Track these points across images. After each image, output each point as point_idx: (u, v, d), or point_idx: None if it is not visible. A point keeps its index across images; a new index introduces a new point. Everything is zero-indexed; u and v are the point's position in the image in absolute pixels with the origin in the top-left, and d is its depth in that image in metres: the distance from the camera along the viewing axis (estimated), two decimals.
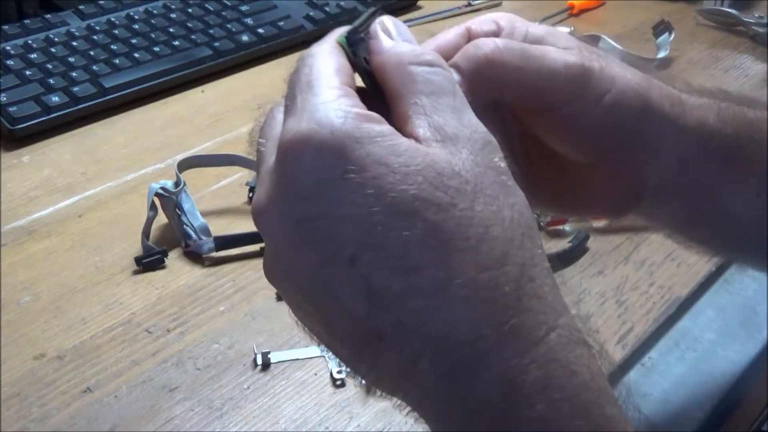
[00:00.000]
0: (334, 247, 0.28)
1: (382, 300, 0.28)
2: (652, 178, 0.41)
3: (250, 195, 0.65)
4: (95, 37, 0.82)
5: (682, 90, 0.42)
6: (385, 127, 0.29)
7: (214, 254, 0.59)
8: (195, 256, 0.60)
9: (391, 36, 0.33)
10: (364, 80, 0.34)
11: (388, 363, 0.29)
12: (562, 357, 0.29)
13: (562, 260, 0.58)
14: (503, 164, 0.30)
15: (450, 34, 0.38)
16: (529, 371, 0.28)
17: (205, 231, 0.60)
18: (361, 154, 0.28)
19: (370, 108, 0.30)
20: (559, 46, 0.39)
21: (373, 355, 0.29)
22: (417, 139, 0.29)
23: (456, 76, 0.36)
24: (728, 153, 0.42)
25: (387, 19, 0.34)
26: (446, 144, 0.29)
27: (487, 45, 0.37)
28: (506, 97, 0.38)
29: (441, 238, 0.27)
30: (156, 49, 0.82)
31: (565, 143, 0.40)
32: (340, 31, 0.35)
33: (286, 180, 0.29)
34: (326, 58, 0.32)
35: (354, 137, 0.28)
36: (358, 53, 0.34)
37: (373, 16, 0.35)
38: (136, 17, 0.86)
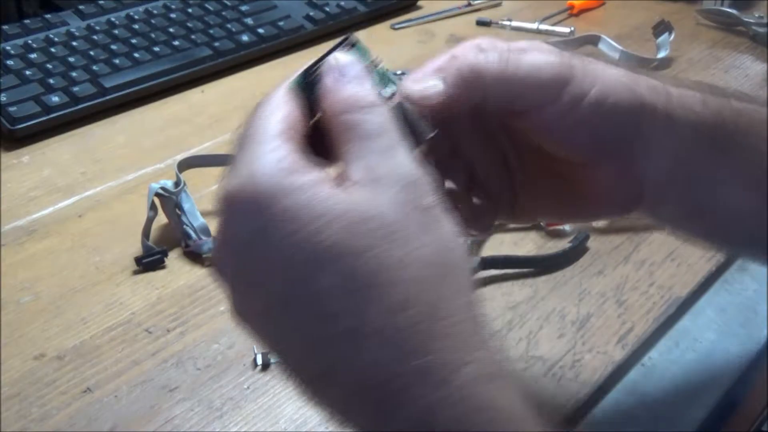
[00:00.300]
0: (264, 298, 0.30)
1: (313, 346, 0.30)
2: (649, 171, 0.41)
3: None
4: (95, 37, 0.82)
5: (666, 82, 0.42)
6: (309, 178, 0.30)
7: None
8: (195, 256, 0.60)
9: (337, 77, 0.34)
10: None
11: (332, 399, 0.31)
12: (477, 392, 0.29)
13: (562, 260, 0.58)
14: (430, 201, 0.31)
15: (438, 61, 0.39)
16: (443, 409, 0.28)
17: (205, 231, 0.60)
18: (279, 209, 0.29)
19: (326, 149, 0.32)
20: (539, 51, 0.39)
21: (318, 390, 0.31)
22: (347, 184, 0.30)
23: (441, 86, 0.38)
24: (718, 141, 0.42)
25: (336, 58, 0.35)
26: (371, 187, 0.30)
27: (469, 53, 0.38)
28: (492, 102, 0.39)
29: (354, 286, 0.29)
30: (156, 49, 0.82)
31: (558, 144, 0.41)
32: (298, 73, 0.36)
33: (222, 234, 0.31)
34: (273, 107, 0.34)
35: (273, 193, 0.29)
36: (315, 93, 0.35)
37: (328, 54, 0.36)
38: (136, 17, 0.86)
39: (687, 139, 0.41)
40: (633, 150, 0.40)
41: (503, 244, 0.61)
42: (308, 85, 0.36)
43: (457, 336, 0.29)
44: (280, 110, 0.33)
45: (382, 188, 0.30)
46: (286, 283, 0.29)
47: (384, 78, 0.37)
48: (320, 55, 0.36)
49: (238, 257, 0.30)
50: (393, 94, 0.37)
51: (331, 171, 0.31)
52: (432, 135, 0.36)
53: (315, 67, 0.36)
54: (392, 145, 0.31)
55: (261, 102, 0.34)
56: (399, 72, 0.81)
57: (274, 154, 0.31)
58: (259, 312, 0.31)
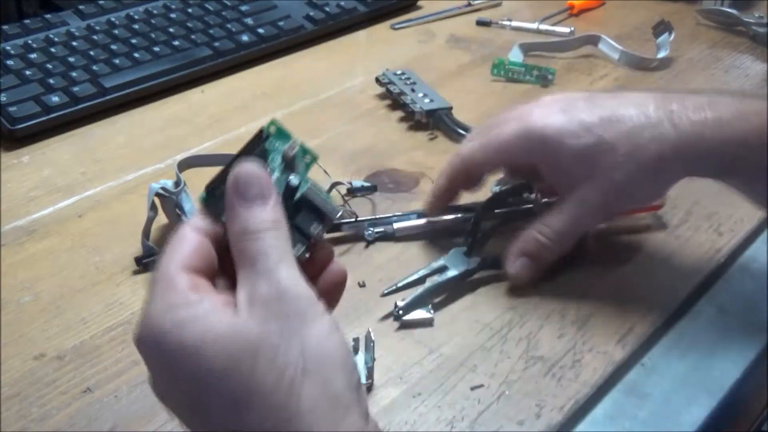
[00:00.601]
0: (171, 406, 0.37)
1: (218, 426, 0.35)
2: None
3: None
4: (95, 37, 0.82)
5: (645, 111, 0.54)
6: (193, 312, 0.35)
7: None
8: None
9: (233, 200, 0.38)
10: None
11: None
12: None
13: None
14: (293, 310, 0.35)
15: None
16: None
17: None
18: (165, 347, 0.35)
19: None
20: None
21: None
22: (233, 309, 0.35)
23: (443, 181, 0.60)
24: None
25: (235, 176, 0.38)
26: (247, 310, 0.35)
27: (462, 151, 0.59)
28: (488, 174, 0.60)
29: (230, 402, 0.34)
30: (156, 49, 0.82)
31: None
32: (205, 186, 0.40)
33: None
34: (176, 242, 0.38)
35: (159, 334, 0.35)
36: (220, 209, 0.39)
37: (238, 158, 0.39)
38: (136, 17, 0.86)
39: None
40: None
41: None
42: (218, 197, 0.39)
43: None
44: (182, 244, 0.38)
45: (254, 310, 0.35)
46: (181, 404, 0.36)
47: (301, 159, 0.41)
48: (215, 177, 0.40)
49: (153, 376, 0.37)
50: (300, 183, 0.40)
51: (222, 297, 0.36)
52: (339, 214, 0.41)
53: (220, 179, 0.39)
54: (272, 267, 0.36)
55: (173, 235, 0.39)
56: (399, 72, 0.81)
57: (161, 300, 0.35)
58: (170, 408, 0.38)
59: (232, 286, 0.38)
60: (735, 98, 0.54)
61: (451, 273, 0.57)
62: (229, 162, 0.40)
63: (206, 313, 0.35)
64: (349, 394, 0.35)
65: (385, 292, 0.56)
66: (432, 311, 0.55)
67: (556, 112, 0.55)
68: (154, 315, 0.35)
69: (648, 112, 0.53)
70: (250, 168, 0.38)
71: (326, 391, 0.34)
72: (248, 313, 0.35)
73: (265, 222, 0.37)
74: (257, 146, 0.40)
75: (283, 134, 0.41)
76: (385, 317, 0.55)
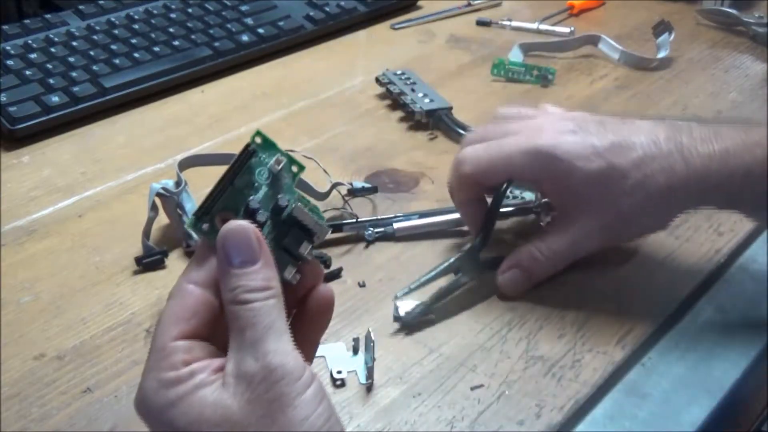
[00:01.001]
0: None
1: None
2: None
3: None
4: (95, 37, 0.82)
5: (655, 140, 0.54)
6: (183, 389, 0.36)
7: None
8: None
9: (223, 264, 0.38)
10: None
11: None
12: None
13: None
14: (277, 392, 0.36)
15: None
16: None
17: None
18: (157, 422, 0.37)
19: None
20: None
21: None
22: (221, 380, 0.36)
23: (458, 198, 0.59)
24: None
25: (227, 236, 0.38)
26: (233, 384, 0.36)
27: (466, 168, 0.57)
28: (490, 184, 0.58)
29: None
30: (156, 49, 0.82)
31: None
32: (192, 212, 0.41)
33: None
34: (176, 302, 0.39)
35: (155, 409, 0.37)
36: (212, 229, 0.39)
37: (226, 178, 0.40)
38: (136, 17, 0.86)
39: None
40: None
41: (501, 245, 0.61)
42: (210, 217, 0.40)
43: None
44: (180, 303, 0.39)
45: (239, 386, 0.36)
46: None
47: (288, 171, 0.41)
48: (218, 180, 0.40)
49: None
50: (288, 203, 0.40)
51: (216, 362, 0.37)
52: (328, 234, 0.41)
53: (211, 200, 0.40)
54: (258, 337, 0.36)
55: (173, 290, 0.39)
56: (399, 72, 0.81)
57: (155, 373, 0.37)
58: None
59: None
60: (739, 128, 0.54)
61: (464, 279, 0.57)
62: (218, 182, 0.40)
63: (195, 390, 0.36)
64: None
65: (399, 295, 0.55)
66: (432, 311, 0.55)
67: (567, 132, 0.55)
68: (148, 389, 0.37)
69: (659, 142, 0.54)
70: (236, 230, 0.38)
71: None
72: (234, 389, 0.36)
73: (254, 291, 0.37)
74: (244, 163, 0.40)
75: (269, 145, 0.41)
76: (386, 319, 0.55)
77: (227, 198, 0.40)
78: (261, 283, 0.38)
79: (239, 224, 0.38)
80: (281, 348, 0.37)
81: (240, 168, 0.40)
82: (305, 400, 0.36)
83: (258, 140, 0.40)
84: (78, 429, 0.47)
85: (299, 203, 0.40)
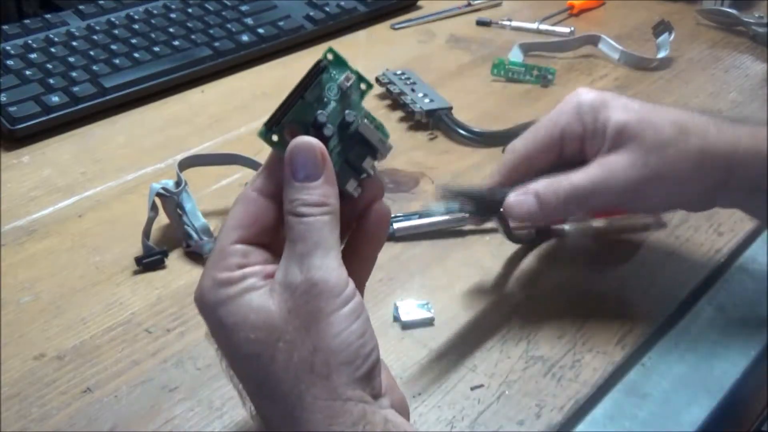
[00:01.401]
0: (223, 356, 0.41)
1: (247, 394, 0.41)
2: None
3: None
4: (95, 37, 0.82)
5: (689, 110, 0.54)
6: (234, 290, 0.39)
7: None
8: (196, 256, 0.60)
9: (288, 176, 0.40)
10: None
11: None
12: None
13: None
14: (315, 305, 0.38)
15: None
16: None
17: (206, 231, 0.60)
18: (210, 318, 0.40)
19: None
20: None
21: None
22: (268, 286, 0.39)
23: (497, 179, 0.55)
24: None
25: (294, 151, 0.40)
26: (279, 292, 0.38)
27: (514, 145, 0.56)
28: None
29: (257, 386, 0.39)
30: (156, 49, 0.82)
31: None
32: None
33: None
34: (239, 209, 0.41)
35: (209, 305, 0.39)
36: (281, 139, 0.41)
37: (298, 90, 0.41)
38: (136, 17, 0.86)
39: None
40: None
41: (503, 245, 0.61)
42: (278, 131, 0.41)
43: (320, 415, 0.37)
44: (242, 210, 0.41)
45: (284, 294, 0.38)
46: (227, 359, 0.41)
47: (357, 88, 0.43)
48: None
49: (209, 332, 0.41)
50: (355, 119, 0.42)
51: (268, 268, 0.40)
52: (390, 150, 0.43)
53: (277, 115, 0.41)
54: (306, 251, 0.39)
55: (238, 197, 0.42)
56: (399, 72, 0.81)
57: (212, 271, 0.40)
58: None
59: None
60: (757, 123, 0.54)
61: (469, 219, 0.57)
62: (288, 94, 0.41)
63: (244, 293, 0.39)
64: (352, 390, 0.37)
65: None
66: (432, 311, 0.55)
67: (604, 91, 0.56)
68: (204, 286, 0.40)
69: (691, 113, 0.53)
70: (303, 146, 0.40)
71: (328, 388, 0.37)
72: (279, 296, 0.38)
73: (311, 206, 0.39)
74: (314, 78, 0.42)
75: (340, 62, 0.43)
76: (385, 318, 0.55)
77: (297, 111, 0.41)
78: (318, 198, 0.40)
79: (307, 140, 0.40)
80: (326, 264, 0.38)
81: (311, 82, 0.41)
82: (341, 316, 0.38)
83: (330, 57, 0.42)
84: (78, 429, 0.47)
85: (365, 120, 0.42)
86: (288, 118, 0.41)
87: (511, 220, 0.56)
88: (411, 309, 0.55)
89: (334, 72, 0.42)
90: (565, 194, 0.53)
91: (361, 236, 0.44)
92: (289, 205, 0.40)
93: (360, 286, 0.42)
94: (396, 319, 0.55)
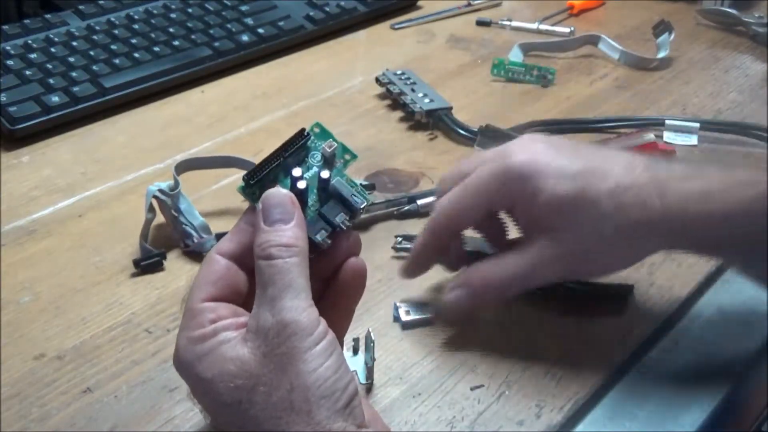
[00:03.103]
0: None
1: None
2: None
3: None
4: (95, 37, 0.82)
5: (631, 168, 0.50)
6: (209, 345, 0.40)
7: None
8: (195, 256, 0.60)
9: (259, 221, 0.42)
10: None
11: None
12: None
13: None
14: (288, 346, 0.39)
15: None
16: None
17: (206, 229, 0.60)
18: (189, 376, 0.41)
19: None
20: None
21: None
22: (243, 335, 0.40)
23: (424, 239, 0.53)
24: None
25: (266, 197, 0.42)
26: (251, 339, 0.39)
27: (439, 204, 0.53)
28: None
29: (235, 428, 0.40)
30: (156, 49, 0.82)
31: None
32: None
33: None
34: (204, 269, 0.43)
35: (187, 363, 0.41)
36: (259, 194, 0.43)
37: (278, 153, 0.44)
38: (136, 17, 0.86)
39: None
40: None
41: None
42: (257, 186, 0.43)
43: None
44: (209, 271, 0.42)
45: (257, 340, 0.39)
46: (210, 414, 0.42)
47: (341, 157, 0.45)
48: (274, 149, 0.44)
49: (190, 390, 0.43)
50: (330, 175, 0.44)
51: (231, 321, 0.41)
52: (364, 206, 0.44)
53: (257, 171, 0.43)
54: (277, 294, 0.40)
55: (203, 261, 0.43)
56: (399, 72, 0.81)
57: (185, 332, 0.41)
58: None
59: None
60: (722, 168, 0.50)
61: (467, 248, 0.57)
62: (270, 155, 0.44)
63: (219, 346, 0.40)
64: (334, 421, 0.38)
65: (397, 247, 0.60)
66: (432, 312, 0.55)
67: (539, 152, 0.50)
68: (180, 346, 0.41)
69: (635, 174, 0.49)
70: (275, 192, 0.42)
71: (311, 422, 0.38)
72: (252, 343, 0.39)
73: (280, 248, 0.41)
74: (298, 143, 0.44)
75: (325, 134, 0.45)
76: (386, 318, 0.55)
77: (276, 170, 0.44)
78: (288, 240, 0.41)
79: (278, 189, 0.42)
80: (296, 305, 0.39)
81: (293, 147, 0.44)
82: (314, 354, 0.39)
83: (316, 130, 0.45)
84: (78, 429, 0.47)
85: (338, 177, 0.44)
86: (269, 178, 0.44)
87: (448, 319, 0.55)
88: (411, 309, 0.55)
89: (319, 142, 0.45)
90: (501, 284, 0.51)
91: (338, 290, 0.45)
92: (258, 250, 0.41)
93: (339, 338, 0.44)
94: (396, 319, 0.55)
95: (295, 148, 0.44)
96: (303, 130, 0.44)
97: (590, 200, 0.49)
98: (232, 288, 0.42)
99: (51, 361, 0.52)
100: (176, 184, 0.60)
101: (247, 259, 0.42)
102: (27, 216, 0.64)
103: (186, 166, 0.65)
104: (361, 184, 0.65)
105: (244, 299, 0.43)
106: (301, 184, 0.43)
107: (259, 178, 0.43)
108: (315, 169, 0.44)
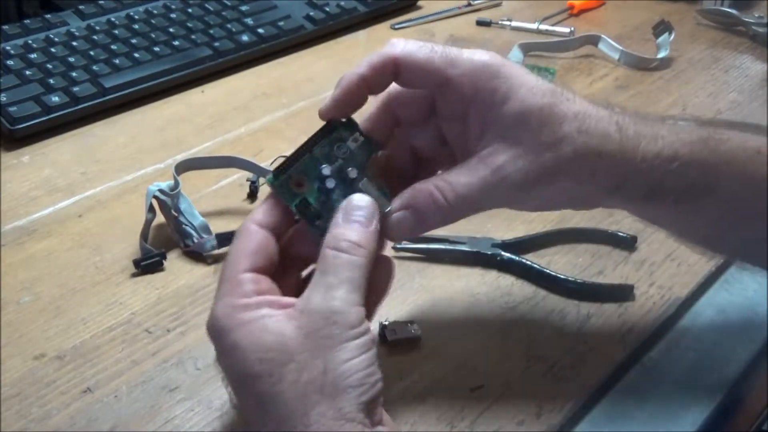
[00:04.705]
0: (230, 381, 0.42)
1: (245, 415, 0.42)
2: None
3: (251, 188, 0.66)
4: (95, 37, 0.82)
5: (593, 102, 0.48)
6: (249, 316, 0.40)
7: (216, 251, 0.59)
8: (195, 256, 0.60)
9: (340, 217, 0.43)
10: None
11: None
12: None
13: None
14: (330, 331, 0.40)
15: (345, 86, 0.46)
16: None
17: (206, 229, 0.60)
18: (224, 342, 0.41)
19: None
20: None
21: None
22: (287, 311, 0.41)
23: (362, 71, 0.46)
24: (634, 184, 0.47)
25: (353, 199, 0.44)
26: (296, 317, 0.40)
27: (396, 45, 0.46)
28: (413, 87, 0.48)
29: (261, 405, 0.40)
30: (156, 49, 0.82)
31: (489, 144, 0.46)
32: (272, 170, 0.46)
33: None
34: (244, 239, 0.43)
35: (222, 330, 0.41)
36: (287, 188, 0.45)
37: (304, 148, 0.45)
38: (136, 17, 0.86)
39: (601, 174, 0.47)
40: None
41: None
42: (284, 181, 0.45)
43: None
44: (247, 241, 0.43)
45: (301, 319, 0.40)
46: (230, 383, 0.42)
47: (365, 149, 0.46)
48: (298, 147, 0.46)
49: (216, 355, 0.43)
50: (357, 175, 0.45)
51: (275, 298, 0.42)
52: (389, 209, 0.45)
53: (288, 164, 0.45)
54: (335, 283, 0.41)
55: (239, 230, 0.44)
56: None
57: (228, 299, 0.42)
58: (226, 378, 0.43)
59: (289, 279, 0.45)
60: (670, 122, 0.49)
61: (465, 248, 0.57)
62: (298, 148, 0.45)
63: (262, 318, 0.40)
64: (356, 413, 0.39)
65: (397, 246, 0.59)
66: (419, 330, 0.53)
67: (517, 62, 0.51)
68: (221, 313, 0.41)
69: (597, 107, 0.47)
70: (363, 199, 0.44)
71: (333, 407, 0.38)
72: (298, 321, 0.40)
73: (353, 245, 0.42)
74: (325, 136, 0.45)
75: (351, 125, 0.46)
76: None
77: (304, 163, 0.45)
78: (362, 240, 0.42)
79: (365, 197, 0.44)
80: (350, 298, 0.41)
81: (320, 140, 0.45)
82: (353, 345, 0.40)
83: (344, 120, 0.46)
84: (78, 429, 0.47)
85: (365, 178, 0.45)
86: (295, 169, 0.45)
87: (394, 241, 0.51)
88: (397, 326, 0.53)
89: (345, 133, 0.46)
90: (449, 206, 0.46)
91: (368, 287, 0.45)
92: (331, 239, 0.42)
93: None
94: (382, 338, 0.53)
95: (323, 140, 0.45)
96: (329, 122, 0.46)
97: (556, 118, 0.46)
98: (269, 259, 0.43)
99: (51, 361, 0.52)
100: (176, 184, 0.60)
101: (279, 232, 0.44)
102: (27, 216, 0.64)
103: (186, 166, 0.65)
104: None
105: (277, 272, 0.44)
106: (330, 183, 0.45)
107: (287, 172, 0.45)
108: (340, 161, 0.45)
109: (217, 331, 0.41)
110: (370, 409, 0.40)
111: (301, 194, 0.45)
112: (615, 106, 0.49)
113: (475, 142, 0.46)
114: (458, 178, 0.46)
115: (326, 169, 0.45)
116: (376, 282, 0.45)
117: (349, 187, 0.45)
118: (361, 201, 0.44)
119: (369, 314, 0.45)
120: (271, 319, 0.40)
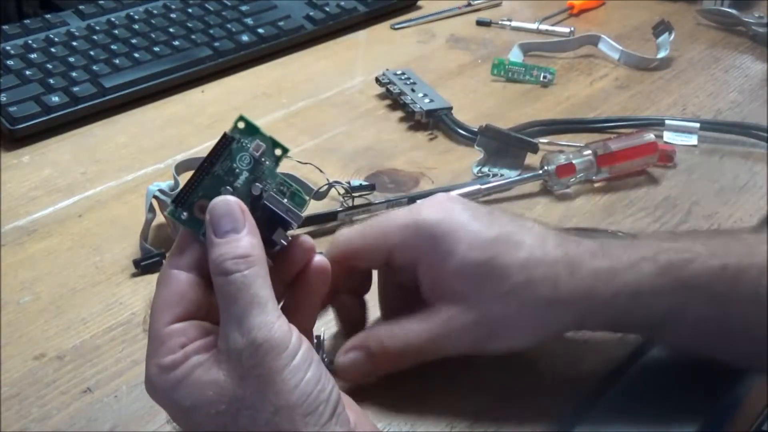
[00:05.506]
0: None
1: None
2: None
3: None
4: (95, 37, 0.82)
5: (547, 233, 0.48)
6: (179, 373, 0.39)
7: None
8: None
9: (210, 234, 0.40)
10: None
11: None
12: None
13: None
14: (268, 366, 0.38)
15: None
16: None
17: None
18: (166, 405, 0.41)
19: None
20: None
21: None
22: (214, 357, 0.39)
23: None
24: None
25: (213, 208, 0.40)
26: (225, 361, 0.38)
27: (337, 237, 0.49)
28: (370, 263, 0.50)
29: None
30: (156, 49, 0.82)
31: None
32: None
33: None
34: (163, 289, 0.41)
35: (157, 392, 0.40)
36: (193, 218, 0.41)
37: (202, 168, 0.41)
38: (136, 17, 0.86)
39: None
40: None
41: None
42: (189, 205, 0.41)
43: None
44: (167, 290, 0.41)
45: (229, 363, 0.38)
46: None
47: (271, 155, 0.42)
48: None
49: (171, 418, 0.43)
50: (261, 191, 0.41)
51: (203, 342, 0.40)
52: (300, 221, 0.42)
53: (185, 193, 0.41)
54: (241, 313, 0.38)
55: (159, 277, 0.41)
56: (399, 72, 0.81)
57: (156, 359, 0.40)
58: None
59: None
60: (627, 242, 0.49)
61: None
62: (198, 167, 0.41)
63: (192, 371, 0.39)
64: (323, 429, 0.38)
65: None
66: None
67: (454, 213, 0.48)
68: (151, 375, 0.40)
69: (546, 248, 0.47)
70: (222, 202, 0.40)
71: None
72: (226, 365, 0.38)
73: (236, 260, 0.39)
74: (223, 151, 0.41)
75: (252, 130, 0.41)
76: None
77: (206, 186, 0.41)
78: (243, 250, 0.39)
79: (224, 198, 0.40)
80: (265, 321, 0.38)
81: (219, 156, 0.41)
82: (293, 370, 0.38)
83: (241, 125, 0.41)
84: (78, 429, 0.47)
85: (272, 191, 0.41)
86: (197, 195, 0.41)
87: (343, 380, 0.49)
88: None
89: (246, 141, 0.41)
90: (399, 352, 0.48)
91: (303, 291, 0.44)
92: (214, 266, 0.39)
93: (308, 337, 0.43)
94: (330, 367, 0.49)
95: (223, 156, 0.41)
96: (225, 134, 0.41)
97: (501, 271, 0.46)
98: (196, 303, 0.41)
99: (51, 361, 0.52)
100: (176, 184, 0.60)
101: (203, 268, 0.41)
102: (27, 216, 0.64)
103: (186, 166, 0.64)
104: (360, 184, 0.65)
105: (207, 309, 0.41)
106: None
107: (188, 200, 0.41)
108: (245, 174, 0.41)
109: (156, 395, 0.40)
110: (336, 420, 0.39)
111: None
112: (572, 231, 0.49)
113: (428, 293, 0.48)
114: (408, 327, 0.48)
115: (226, 191, 0.41)
116: (311, 285, 0.44)
117: (257, 203, 0.41)
118: (220, 207, 0.40)
119: (311, 315, 0.45)
120: (202, 368, 0.39)
